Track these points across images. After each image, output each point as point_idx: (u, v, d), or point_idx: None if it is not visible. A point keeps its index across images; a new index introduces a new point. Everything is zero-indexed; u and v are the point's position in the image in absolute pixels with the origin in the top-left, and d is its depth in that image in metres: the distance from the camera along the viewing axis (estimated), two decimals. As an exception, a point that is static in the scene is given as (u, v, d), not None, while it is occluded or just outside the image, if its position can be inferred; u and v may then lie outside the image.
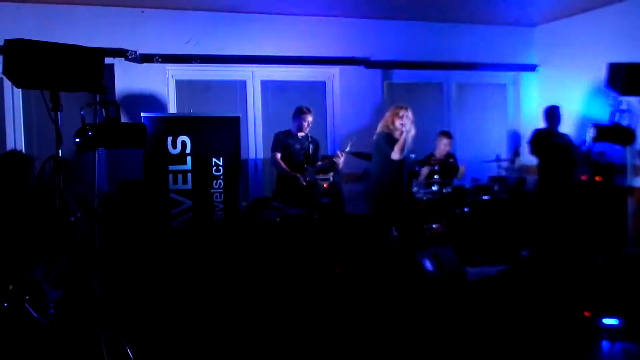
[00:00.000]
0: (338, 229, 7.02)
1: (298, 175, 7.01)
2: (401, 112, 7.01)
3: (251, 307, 5.48)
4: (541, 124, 7.87)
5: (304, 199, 6.92)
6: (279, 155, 7.12)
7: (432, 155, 7.90)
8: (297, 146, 7.16)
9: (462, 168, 8.21)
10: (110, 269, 5.64)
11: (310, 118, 7.14)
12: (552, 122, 7.73)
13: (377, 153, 7.18)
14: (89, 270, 4.00)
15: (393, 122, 7.00)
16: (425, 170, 7.59)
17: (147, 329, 4.96)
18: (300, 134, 7.18)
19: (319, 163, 7.19)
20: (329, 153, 8.06)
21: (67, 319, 4.16)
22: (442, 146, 8.08)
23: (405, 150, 7.01)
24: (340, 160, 7.08)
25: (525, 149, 8.42)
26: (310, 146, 7.17)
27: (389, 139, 7.00)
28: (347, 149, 7.13)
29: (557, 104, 7.81)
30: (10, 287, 3.67)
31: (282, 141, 7.15)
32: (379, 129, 7.19)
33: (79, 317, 4.25)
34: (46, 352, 3.90)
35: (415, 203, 7.32)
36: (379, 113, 8.13)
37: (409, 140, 7.01)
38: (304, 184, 7.00)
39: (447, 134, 8.21)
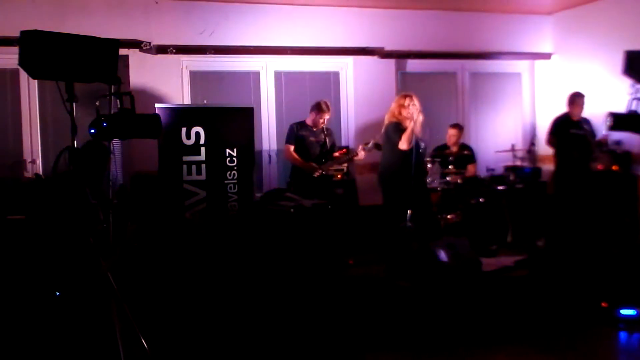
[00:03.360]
0: (352, 220, 6.99)
1: (310, 165, 6.98)
2: (406, 102, 6.86)
3: (265, 298, 5.48)
4: (556, 113, 7.82)
5: (318, 190, 6.88)
6: (292, 148, 7.08)
7: (445, 146, 7.89)
8: (312, 138, 7.10)
9: (472, 167, 8.13)
10: (125, 259, 5.67)
11: (327, 116, 7.05)
12: (573, 109, 7.69)
13: (387, 143, 7.08)
14: (103, 261, 4.00)
15: (400, 113, 6.89)
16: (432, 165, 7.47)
17: (161, 319, 4.98)
18: (314, 128, 7.14)
19: (335, 155, 7.13)
20: (343, 144, 8.03)
21: (83, 309, 4.19)
22: (452, 138, 8.04)
23: (413, 140, 6.87)
24: (361, 154, 7.00)
25: (540, 138, 8.37)
26: (327, 139, 7.10)
27: (398, 129, 6.88)
28: (370, 144, 7.04)
29: (580, 91, 7.76)
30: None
31: (296, 133, 7.11)
32: (387, 119, 7.06)
33: (94, 308, 4.27)
34: (62, 341, 3.92)
35: (429, 193, 7.28)
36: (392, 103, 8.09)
37: (418, 128, 6.88)
38: (316, 175, 6.96)
39: (457, 126, 8.15)
